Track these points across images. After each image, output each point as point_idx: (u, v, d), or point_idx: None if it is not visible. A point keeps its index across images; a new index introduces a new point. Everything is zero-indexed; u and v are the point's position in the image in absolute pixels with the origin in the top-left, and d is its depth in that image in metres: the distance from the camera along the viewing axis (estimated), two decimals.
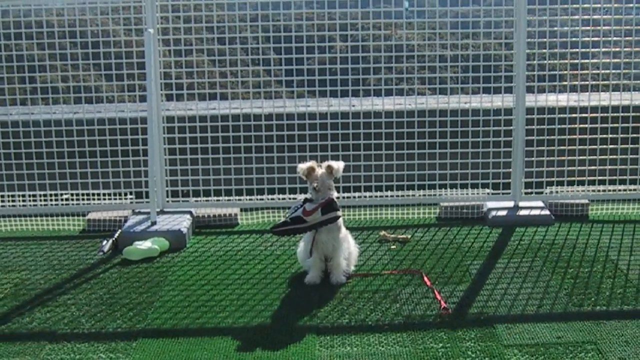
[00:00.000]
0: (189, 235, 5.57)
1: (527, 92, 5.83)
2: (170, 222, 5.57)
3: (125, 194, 6.06)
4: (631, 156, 5.96)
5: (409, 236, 5.47)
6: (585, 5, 5.79)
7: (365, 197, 6.05)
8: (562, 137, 5.92)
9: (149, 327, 3.98)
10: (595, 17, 5.81)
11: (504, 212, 5.83)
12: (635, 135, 5.94)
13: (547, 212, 5.82)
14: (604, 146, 5.94)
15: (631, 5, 5.83)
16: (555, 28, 5.84)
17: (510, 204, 5.96)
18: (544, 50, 5.85)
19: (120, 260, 5.09)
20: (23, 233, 5.87)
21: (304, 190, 5.53)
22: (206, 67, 5.94)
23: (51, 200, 6.02)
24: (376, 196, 6.06)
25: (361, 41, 5.95)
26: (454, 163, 5.96)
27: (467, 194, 6.09)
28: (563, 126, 5.91)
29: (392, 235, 5.46)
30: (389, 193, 6.05)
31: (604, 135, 5.93)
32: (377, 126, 5.93)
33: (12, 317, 4.15)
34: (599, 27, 5.83)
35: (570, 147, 5.95)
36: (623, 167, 5.98)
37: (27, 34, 5.77)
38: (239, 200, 6.00)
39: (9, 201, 6.02)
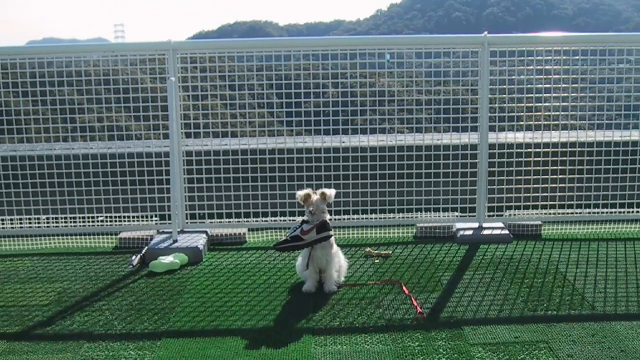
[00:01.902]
0: (205, 252, 5.58)
1: (490, 130, 5.87)
2: (189, 241, 5.58)
3: (151, 217, 6.07)
4: (578, 185, 6.00)
5: (390, 252, 5.48)
6: (539, 58, 5.86)
7: (353, 219, 6.06)
8: (520, 168, 5.97)
9: (171, 328, 4.00)
10: (547, 67, 5.88)
11: (470, 232, 5.85)
12: (581, 167, 5.98)
13: (507, 232, 5.84)
14: (555, 176, 6.00)
15: (577, 57, 5.91)
16: (514, 77, 5.89)
17: (476, 225, 5.99)
18: (505, 96, 5.89)
19: (147, 272, 5.10)
20: (65, 249, 5.88)
21: (301, 214, 5.59)
22: (219, 110, 5.97)
23: (89, 221, 6.04)
24: (362, 218, 6.07)
25: (350, 88, 5.97)
26: (428, 190, 5.99)
27: (439, 216, 6.10)
28: (520, 159, 5.96)
29: (376, 252, 5.47)
30: (373, 216, 6.06)
31: (555, 167, 5.98)
32: (363, 159, 5.98)
33: (56, 320, 4.18)
34: (550, 76, 5.90)
35: (526, 177, 5.99)
36: (571, 194, 6.03)
37: (69, 82, 5.80)
38: (247, 221, 6.01)
39: (53, 222, 6.05)
